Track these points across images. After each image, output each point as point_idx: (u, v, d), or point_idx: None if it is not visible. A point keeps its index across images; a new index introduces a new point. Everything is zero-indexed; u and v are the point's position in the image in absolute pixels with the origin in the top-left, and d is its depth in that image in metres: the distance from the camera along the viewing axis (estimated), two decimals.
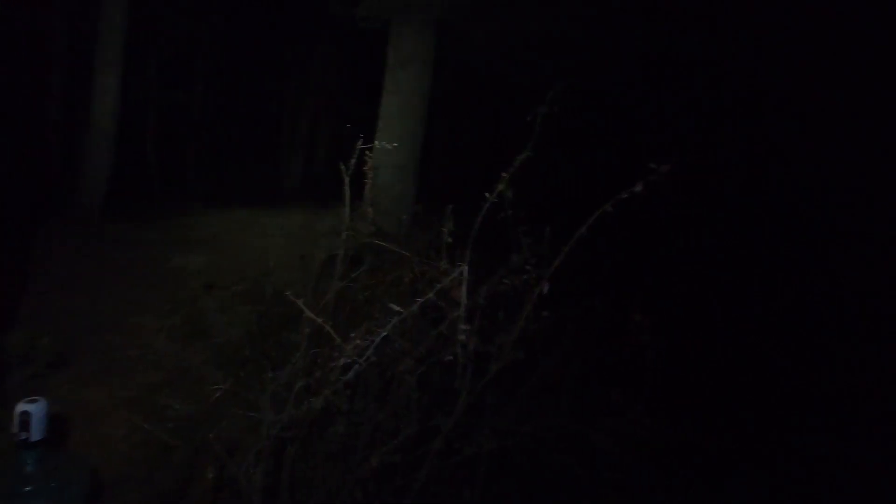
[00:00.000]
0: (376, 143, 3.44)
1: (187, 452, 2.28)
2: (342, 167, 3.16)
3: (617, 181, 1.94)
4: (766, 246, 7.27)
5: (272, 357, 2.65)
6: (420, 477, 2.11)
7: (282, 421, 1.74)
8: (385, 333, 1.62)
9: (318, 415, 2.11)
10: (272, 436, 1.76)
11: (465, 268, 1.68)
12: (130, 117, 7.90)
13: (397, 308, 1.65)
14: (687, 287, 5.94)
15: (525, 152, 2.33)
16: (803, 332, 5.18)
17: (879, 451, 3.02)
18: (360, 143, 3.33)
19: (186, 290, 4.25)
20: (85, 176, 6.28)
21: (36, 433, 1.37)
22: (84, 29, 6.67)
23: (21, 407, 1.36)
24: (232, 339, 3.42)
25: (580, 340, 2.31)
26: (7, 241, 4.63)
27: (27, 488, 1.38)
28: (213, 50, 10.46)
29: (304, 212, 7.72)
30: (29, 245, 4.83)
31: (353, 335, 1.64)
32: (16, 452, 1.37)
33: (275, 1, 9.37)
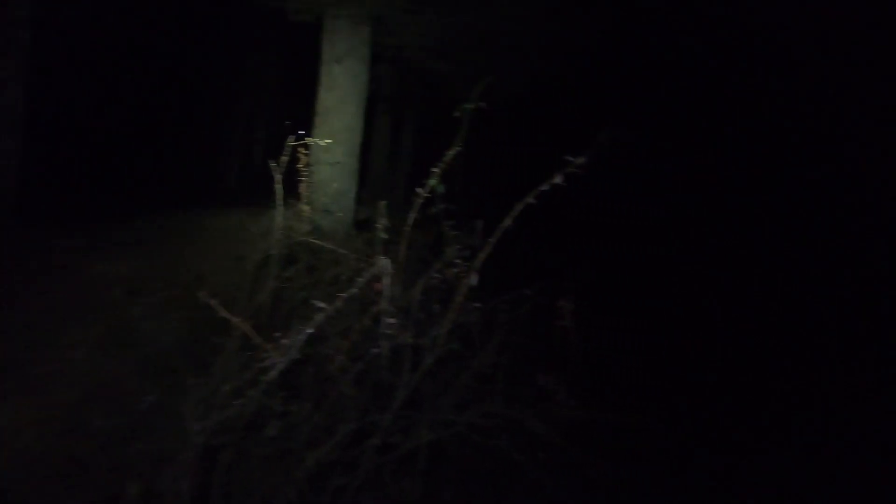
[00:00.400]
0: (309, 139, 3.39)
1: (109, 468, 2.15)
2: (272, 165, 3.09)
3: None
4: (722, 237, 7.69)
5: (204, 364, 2.55)
6: (359, 474, 2.11)
7: (207, 427, 1.68)
8: (311, 331, 1.61)
9: (251, 418, 2.06)
10: (198, 444, 1.70)
11: (388, 261, 1.69)
12: (55, 115, 7.25)
13: (322, 305, 1.64)
14: (636, 277, 6.24)
15: (455, 147, 2.37)
16: (740, 317, 5.57)
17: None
18: (292, 139, 3.27)
19: (109, 297, 3.99)
20: None
21: None
22: None
23: None
24: (160, 348, 3.25)
25: (513, 329, 2.39)
26: None
27: None
28: (143, 45, 9.82)
29: (241, 212, 7.44)
30: None
31: (277, 335, 1.62)
32: None
33: None
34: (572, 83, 7.35)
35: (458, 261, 2.03)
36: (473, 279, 1.96)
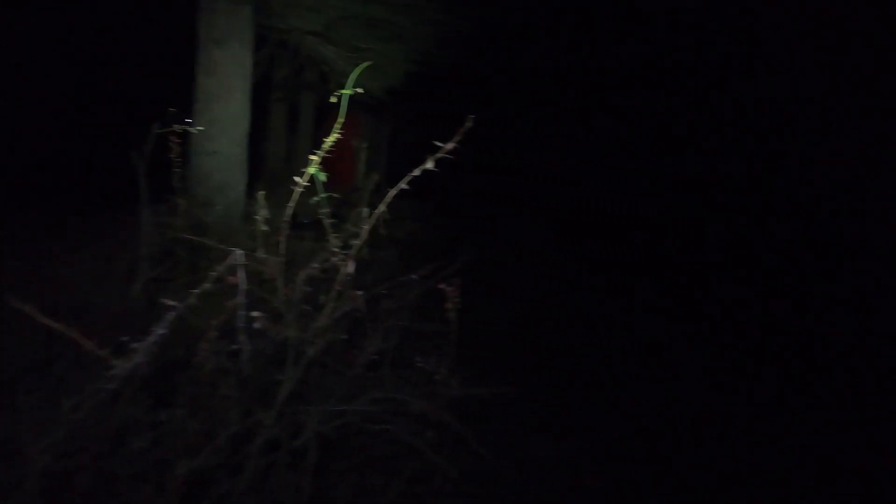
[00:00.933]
0: (180, 127, 3.13)
1: None
2: (134, 155, 2.82)
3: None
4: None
5: (58, 382, 2.28)
6: (244, 477, 2.02)
7: (49, 450, 1.51)
8: (163, 332, 1.50)
9: (115, 434, 1.88)
10: (40, 470, 1.52)
11: (241, 253, 1.62)
12: None
13: (172, 303, 1.53)
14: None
15: (333, 134, 2.32)
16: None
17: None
18: (157, 127, 3.00)
19: None
20: None
21: None
22: None
23: None
24: (7, 368, 2.85)
25: (402, 314, 2.41)
26: None
27: None
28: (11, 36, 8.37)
29: (121, 209, 6.71)
30: None
31: (125, 339, 1.49)
32: None
33: None
34: (470, 70, 7.47)
35: (336, 250, 2.00)
36: (350, 267, 1.94)
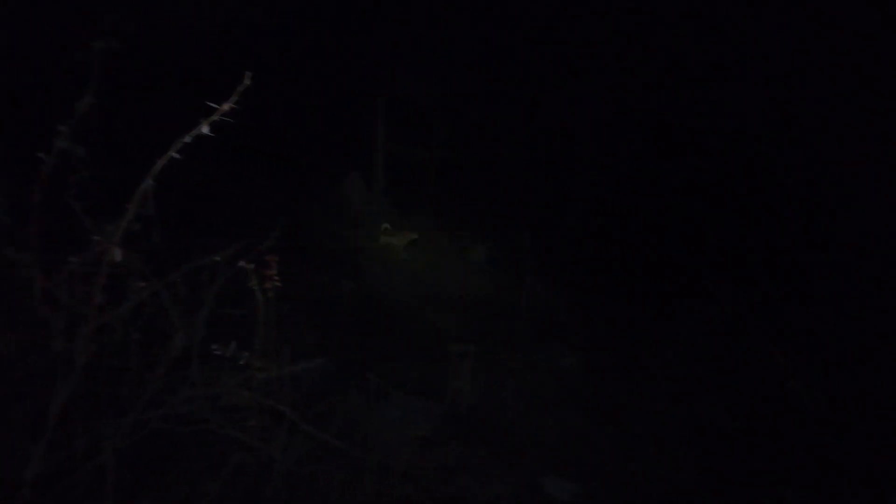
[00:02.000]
0: None
1: None
2: None
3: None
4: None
5: None
6: None
7: None
8: None
9: None
10: None
11: None
12: None
13: None
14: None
15: (87, 98, 1.91)
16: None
17: None
18: None
19: None
20: None
21: None
22: None
23: None
24: None
25: (207, 302, 2.16)
26: None
27: None
28: None
29: None
30: None
31: None
32: None
33: None
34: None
35: (95, 238, 1.68)
36: (117, 255, 1.65)
